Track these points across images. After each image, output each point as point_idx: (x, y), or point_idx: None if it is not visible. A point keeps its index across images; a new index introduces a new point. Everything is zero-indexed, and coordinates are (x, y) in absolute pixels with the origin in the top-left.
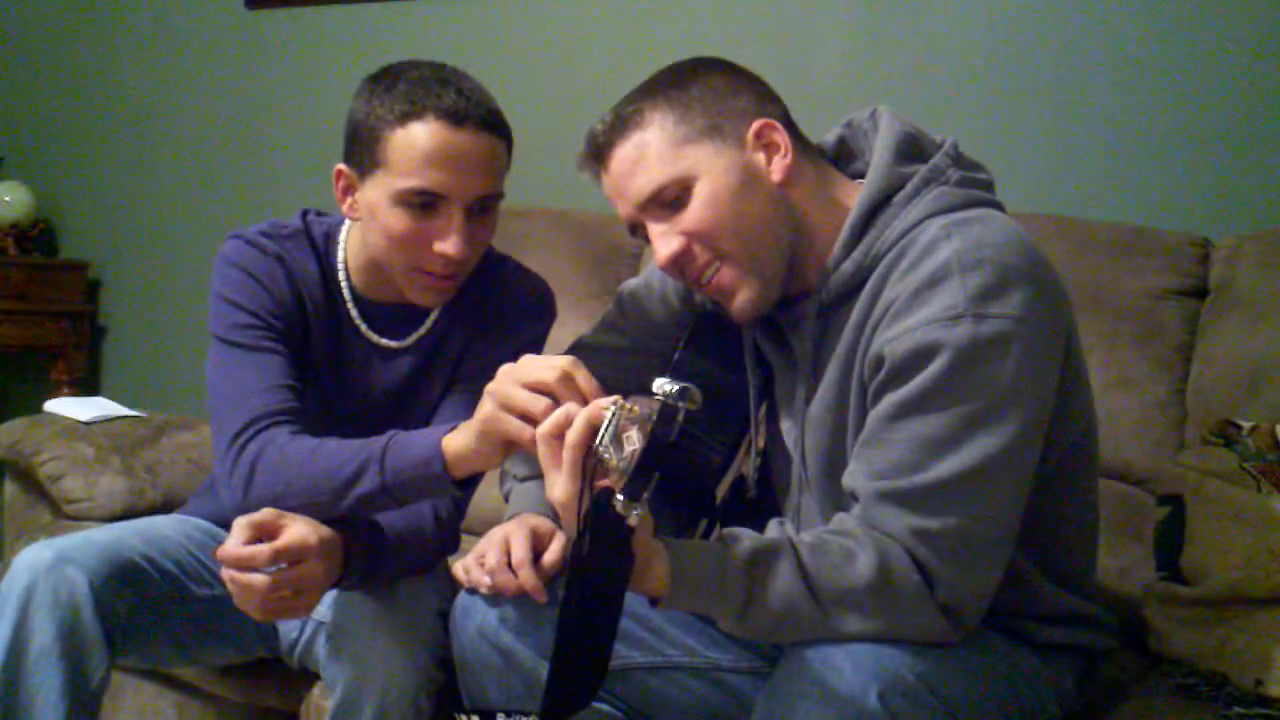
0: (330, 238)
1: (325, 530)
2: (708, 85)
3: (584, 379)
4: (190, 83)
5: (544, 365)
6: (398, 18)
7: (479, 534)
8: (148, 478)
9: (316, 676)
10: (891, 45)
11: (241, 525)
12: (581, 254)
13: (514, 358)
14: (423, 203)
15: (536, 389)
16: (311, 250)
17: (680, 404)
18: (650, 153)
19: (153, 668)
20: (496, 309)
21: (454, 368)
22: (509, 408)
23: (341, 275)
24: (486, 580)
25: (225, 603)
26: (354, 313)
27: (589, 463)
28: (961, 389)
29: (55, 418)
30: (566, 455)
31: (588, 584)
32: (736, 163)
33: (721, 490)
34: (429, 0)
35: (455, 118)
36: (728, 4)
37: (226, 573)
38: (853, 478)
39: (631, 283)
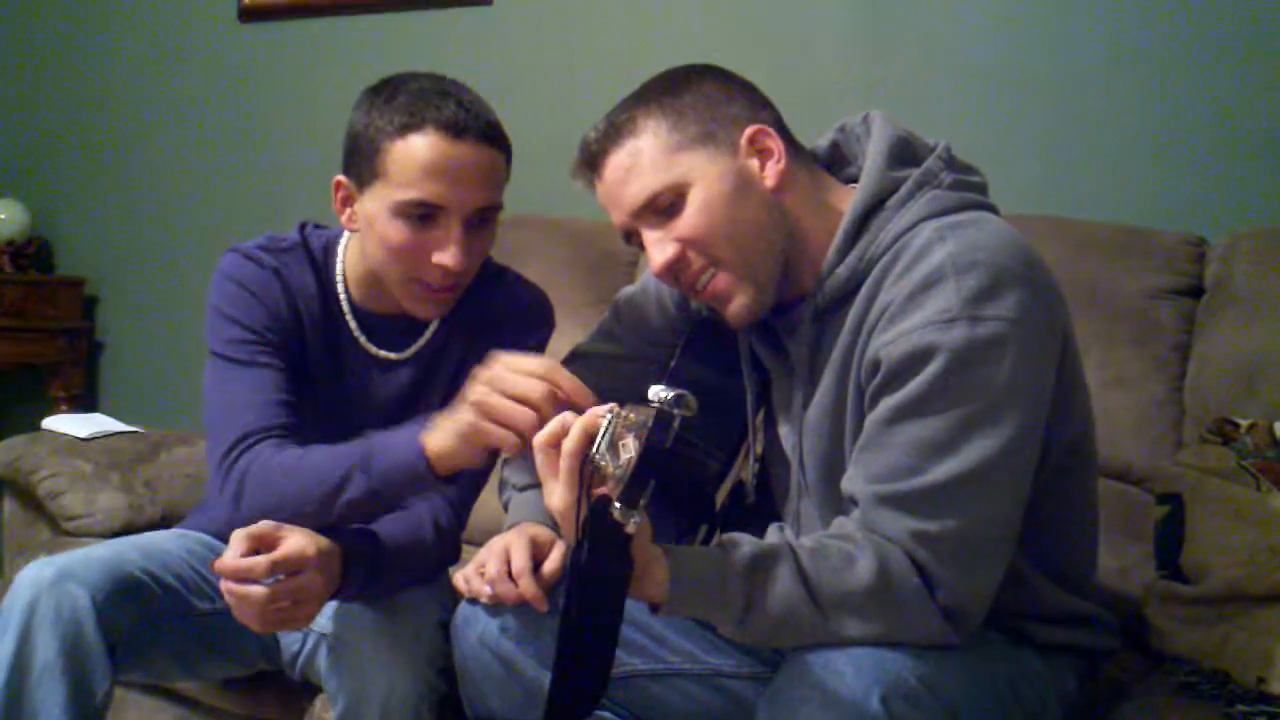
0: (329, 250)
1: (324, 541)
2: (700, 92)
3: (565, 380)
4: (184, 97)
5: (526, 373)
6: (390, 30)
7: (479, 544)
8: (146, 493)
9: (318, 689)
10: (887, 49)
11: (239, 537)
12: (577, 262)
13: None
14: (421, 214)
15: (521, 401)
16: (309, 263)
17: (676, 411)
18: (644, 160)
19: (154, 682)
20: (495, 320)
21: (453, 379)
22: (493, 417)
23: (340, 287)
24: (487, 590)
25: (226, 616)
26: (353, 324)
27: (586, 471)
28: (958, 391)
29: (53, 435)
30: (563, 464)
31: (588, 592)
32: (730, 169)
33: (720, 496)
34: (421, 13)
35: (455, 130)
36: (721, 10)
37: (225, 584)
38: (851, 482)
39: (627, 290)
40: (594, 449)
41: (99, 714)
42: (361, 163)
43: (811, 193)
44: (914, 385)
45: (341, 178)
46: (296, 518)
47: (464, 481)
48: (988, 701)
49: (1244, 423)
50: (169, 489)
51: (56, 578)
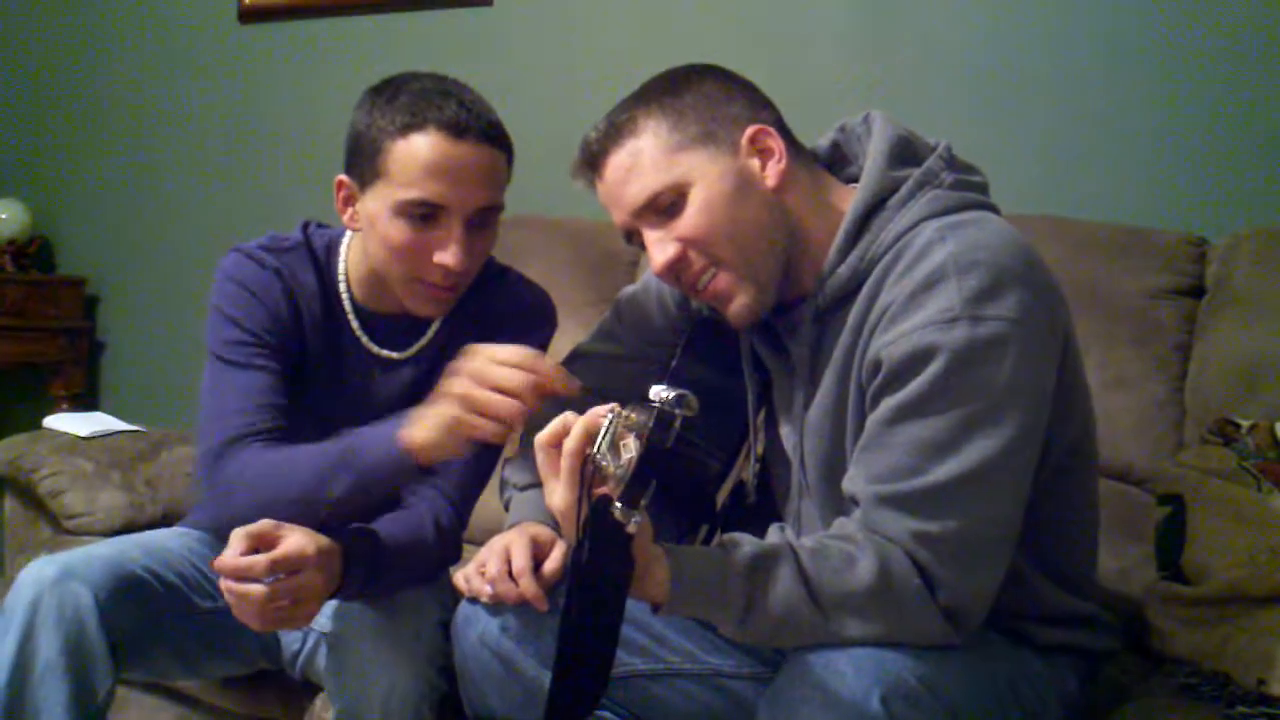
0: (331, 250)
1: (324, 540)
2: (701, 92)
3: (547, 368)
4: (184, 97)
5: (507, 364)
6: (389, 30)
7: (480, 543)
8: (147, 492)
9: (319, 688)
10: (886, 49)
11: (239, 536)
12: (578, 262)
13: None
14: (423, 214)
15: (504, 392)
16: (312, 263)
17: (677, 411)
18: (644, 160)
19: (155, 680)
20: (498, 320)
21: None
22: (477, 409)
23: (342, 287)
24: (487, 589)
25: (228, 614)
26: (355, 324)
27: (587, 470)
28: (959, 391)
29: (54, 433)
30: (564, 463)
31: (588, 592)
32: (731, 169)
33: (722, 496)
34: (421, 13)
35: (456, 129)
36: (721, 10)
37: (225, 583)
38: (852, 482)
39: (628, 290)
40: (595, 449)
41: (101, 713)
42: (363, 162)
43: (812, 192)
44: (915, 385)
45: (343, 177)
46: (281, 518)
47: (465, 481)
48: (988, 702)
49: (1245, 423)
50: (170, 488)
51: (59, 576)
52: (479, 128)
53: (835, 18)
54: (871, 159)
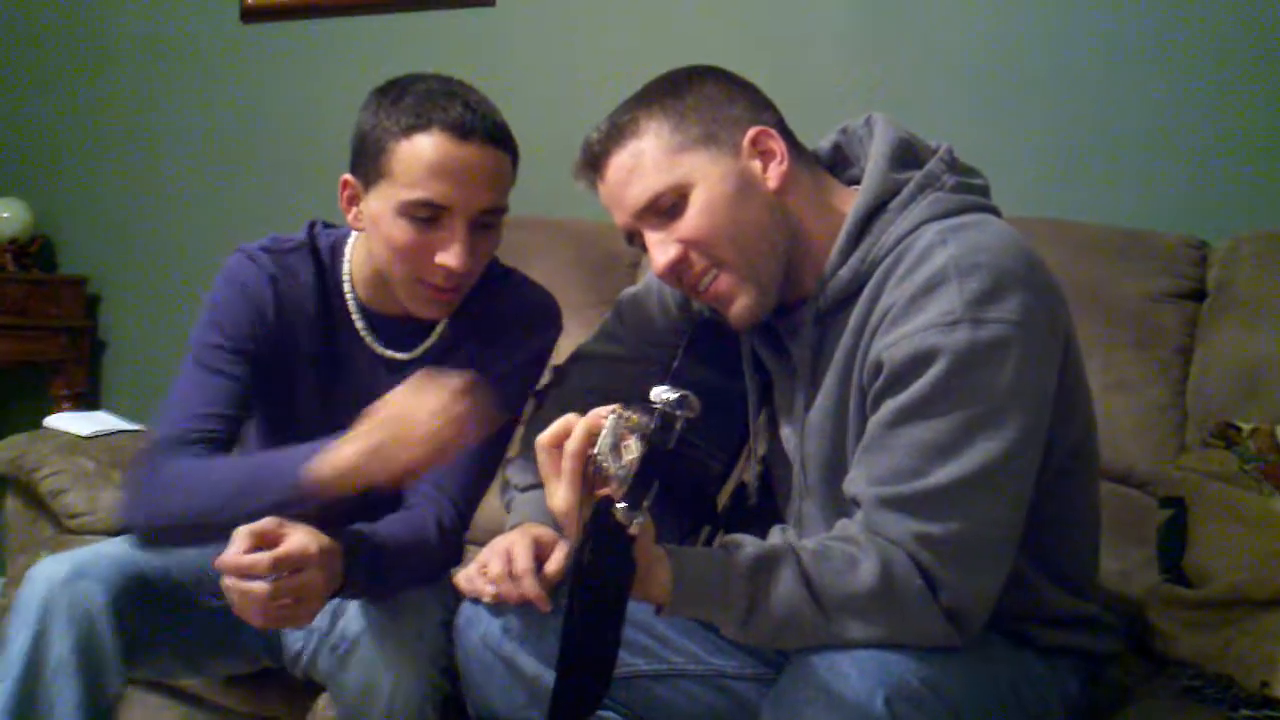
0: (336, 250)
1: (325, 539)
2: (703, 93)
3: (471, 399)
4: (186, 96)
5: (436, 397)
6: (392, 31)
7: (482, 544)
8: None
9: (321, 688)
10: (887, 51)
11: (241, 534)
12: (579, 263)
13: (520, 369)
14: (426, 214)
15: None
16: (313, 263)
17: (678, 412)
18: (646, 161)
19: (160, 679)
20: (503, 321)
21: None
22: (407, 441)
23: (347, 287)
24: (490, 590)
25: (232, 613)
26: (360, 324)
27: (588, 471)
28: (960, 394)
29: (56, 433)
30: (565, 464)
31: (591, 592)
32: (732, 170)
33: (723, 498)
34: (424, 13)
35: (460, 130)
36: (723, 12)
37: (227, 581)
38: (854, 484)
39: (630, 291)
40: (596, 450)
41: (110, 712)
42: (368, 162)
43: (814, 194)
44: (916, 387)
45: (348, 176)
46: (190, 527)
47: (468, 482)
48: (990, 703)
49: (1246, 426)
50: None
51: (70, 575)
52: (484, 129)
53: (836, 19)
54: (873, 161)
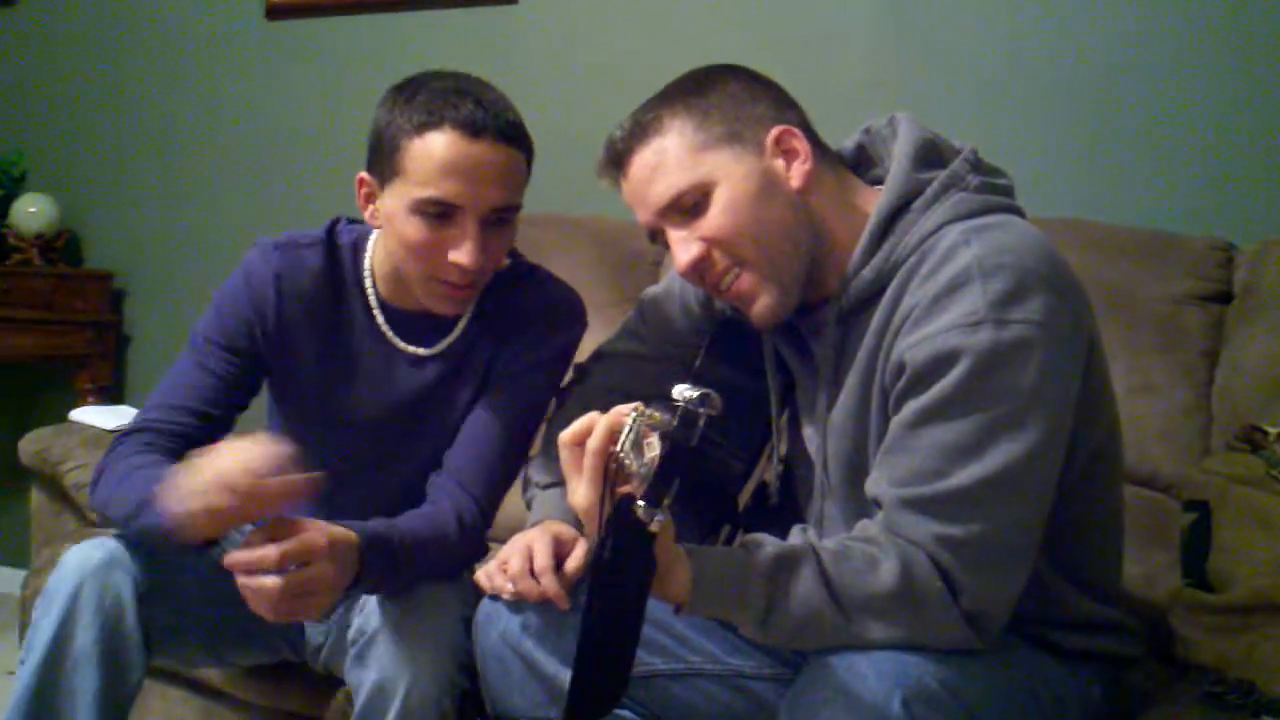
0: (358, 247)
1: (338, 532)
2: (726, 92)
3: (269, 487)
4: (211, 93)
5: (234, 468)
6: (415, 27)
7: (502, 541)
8: None
9: (341, 682)
10: (911, 52)
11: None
12: (602, 261)
13: (544, 366)
14: (438, 213)
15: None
16: (329, 258)
17: (700, 410)
18: (669, 159)
19: (181, 669)
20: (526, 317)
21: (483, 375)
22: (220, 505)
23: (369, 283)
24: (509, 587)
25: None
26: (380, 319)
27: (610, 469)
28: (983, 395)
29: (81, 426)
30: (587, 461)
31: (610, 590)
32: (755, 169)
33: (744, 497)
34: (447, 11)
35: (472, 129)
36: (745, 12)
37: (238, 577)
38: (876, 485)
39: (652, 290)
40: (618, 447)
41: (129, 701)
42: (383, 160)
43: (837, 194)
44: (939, 388)
45: (365, 174)
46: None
47: (491, 479)
48: (1009, 707)
49: (1272, 430)
50: None
51: (102, 563)
52: (495, 127)
53: (860, 20)
54: (897, 161)
